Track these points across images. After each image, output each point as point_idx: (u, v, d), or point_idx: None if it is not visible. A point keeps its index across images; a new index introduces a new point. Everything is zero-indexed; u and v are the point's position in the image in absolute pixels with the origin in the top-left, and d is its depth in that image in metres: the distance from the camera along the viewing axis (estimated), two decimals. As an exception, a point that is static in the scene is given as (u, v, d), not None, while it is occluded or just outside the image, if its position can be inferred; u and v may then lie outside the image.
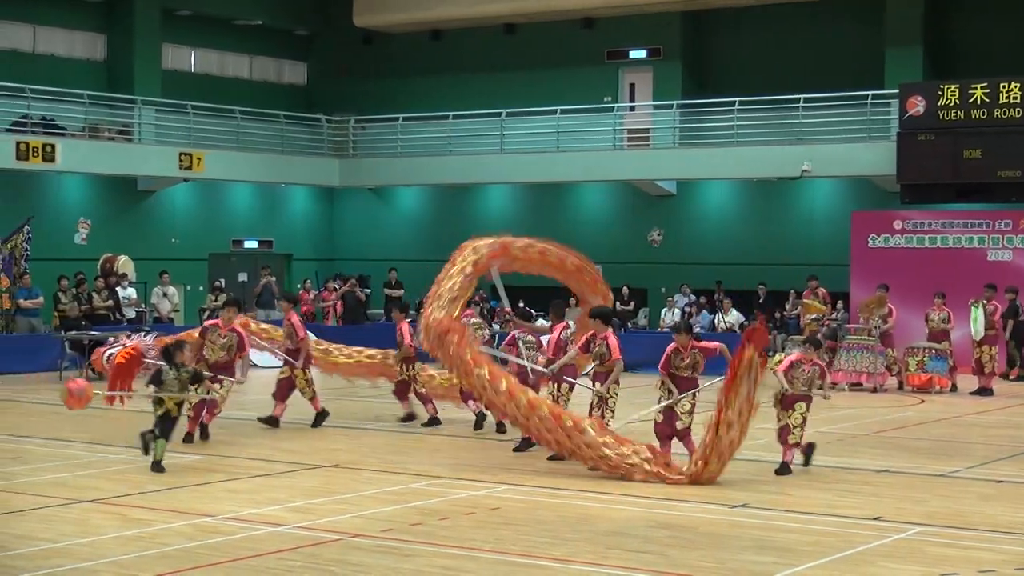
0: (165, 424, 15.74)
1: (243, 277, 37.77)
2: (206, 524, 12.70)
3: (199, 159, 35.02)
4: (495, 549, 11.70)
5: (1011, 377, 27.61)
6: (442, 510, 13.49)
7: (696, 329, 31.48)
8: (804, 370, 15.98)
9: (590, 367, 17.17)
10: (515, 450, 17.44)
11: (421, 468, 16.04)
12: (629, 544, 11.96)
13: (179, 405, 15.97)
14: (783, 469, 15.74)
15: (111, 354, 17.03)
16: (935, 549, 11.89)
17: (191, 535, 12.18)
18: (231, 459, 16.87)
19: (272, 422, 19.60)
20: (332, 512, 13.34)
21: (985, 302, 25.98)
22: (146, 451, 15.66)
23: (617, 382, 16.58)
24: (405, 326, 20.46)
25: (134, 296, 31.53)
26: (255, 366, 23.88)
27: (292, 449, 17.32)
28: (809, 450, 16.05)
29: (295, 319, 19.96)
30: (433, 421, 20.14)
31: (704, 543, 12.05)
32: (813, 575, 10.97)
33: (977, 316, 25.73)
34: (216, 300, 34.13)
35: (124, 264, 32.86)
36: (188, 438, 17.89)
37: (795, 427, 15.90)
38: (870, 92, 32.73)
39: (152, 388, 15.79)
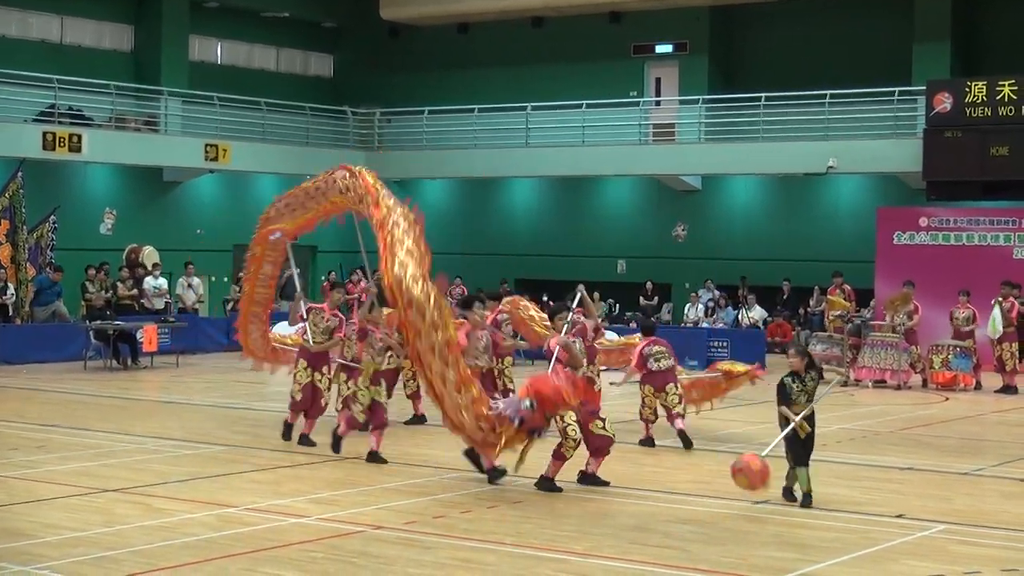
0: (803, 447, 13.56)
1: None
2: (229, 515, 12.73)
3: (225, 150, 35.11)
4: (516, 543, 11.71)
5: None
6: (464, 503, 13.50)
7: (719, 325, 31.81)
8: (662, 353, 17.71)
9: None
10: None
11: (443, 461, 16.03)
12: (650, 539, 11.96)
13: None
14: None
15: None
16: (958, 547, 11.85)
17: (214, 525, 12.22)
18: (254, 450, 16.92)
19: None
20: (355, 504, 13.36)
21: (1002, 300, 25.88)
22: (790, 496, 13.65)
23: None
24: None
25: (164, 286, 31.63)
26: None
27: (315, 441, 17.32)
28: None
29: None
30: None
31: (726, 539, 12.03)
32: (835, 572, 10.95)
33: (995, 314, 25.63)
34: (240, 291, 34.23)
35: (149, 255, 32.99)
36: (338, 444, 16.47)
37: (675, 406, 17.45)
38: (897, 88, 32.63)
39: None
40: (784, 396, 13.46)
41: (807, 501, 13.40)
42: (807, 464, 13.46)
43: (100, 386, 24.59)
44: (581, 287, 16.68)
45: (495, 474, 14.55)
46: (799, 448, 13.43)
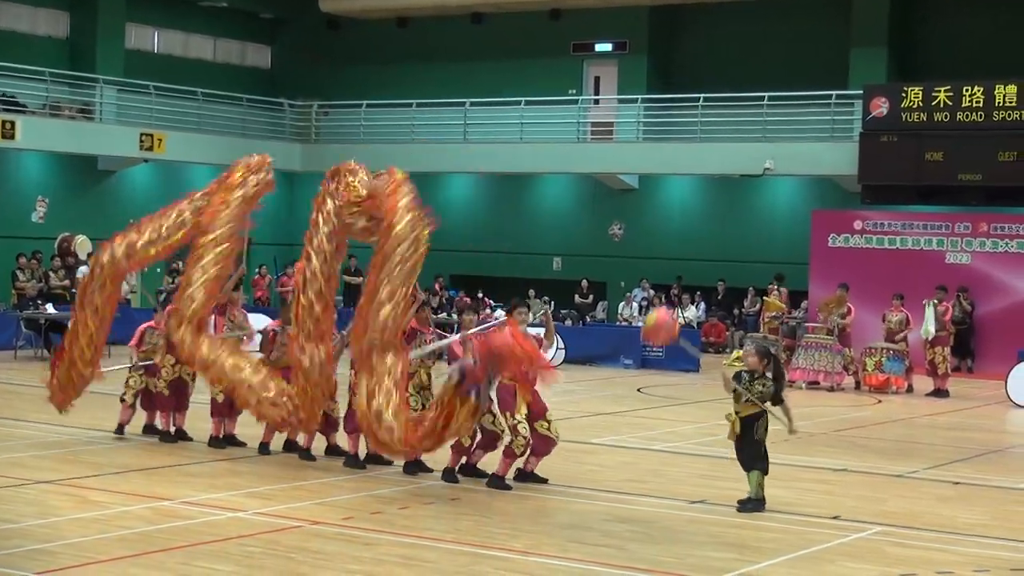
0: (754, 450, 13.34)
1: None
2: (165, 508, 12.63)
3: (160, 140, 34.84)
4: (454, 539, 11.68)
5: None
6: (402, 499, 13.46)
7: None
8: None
9: None
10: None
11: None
12: (588, 538, 11.96)
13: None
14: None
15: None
16: (893, 549, 11.95)
17: (150, 519, 12.11)
18: (189, 443, 16.78)
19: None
20: (292, 499, 13.29)
21: (936, 303, 26.13)
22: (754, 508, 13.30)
23: None
24: None
25: (103, 275, 31.28)
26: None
27: (251, 435, 17.19)
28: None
29: None
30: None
31: (664, 538, 12.06)
32: (774, 572, 11.01)
33: (928, 316, 25.87)
34: (173, 283, 33.98)
35: (82, 244, 32.58)
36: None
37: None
38: (834, 92, 32.89)
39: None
40: (734, 384, 13.23)
41: (745, 507, 13.34)
42: (751, 469, 13.35)
43: (31, 376, 24.26)
44: (548, 309, 16.14)
45: (449, 475, 14.48)
46: (740, 451, 13.42)
